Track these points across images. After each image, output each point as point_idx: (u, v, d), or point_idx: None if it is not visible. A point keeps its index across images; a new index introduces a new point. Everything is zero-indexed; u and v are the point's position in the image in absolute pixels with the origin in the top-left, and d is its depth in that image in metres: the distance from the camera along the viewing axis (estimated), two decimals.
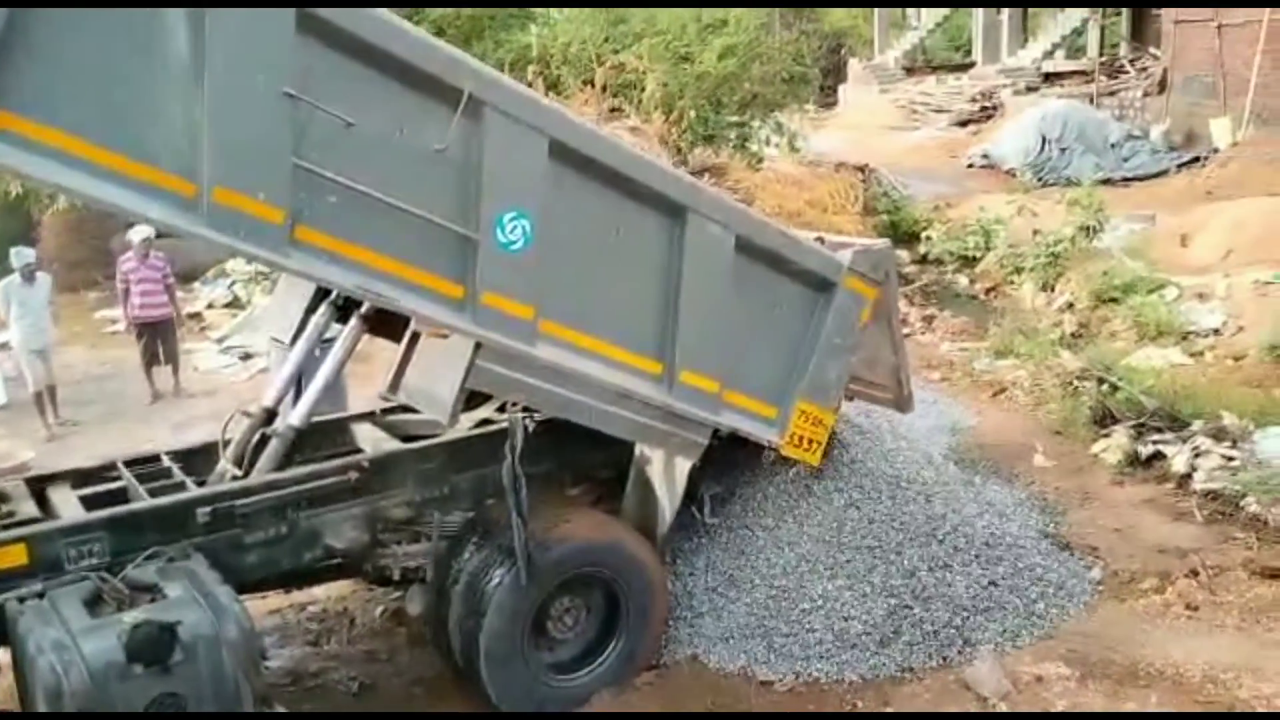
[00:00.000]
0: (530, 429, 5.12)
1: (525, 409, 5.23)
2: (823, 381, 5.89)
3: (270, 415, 5.71)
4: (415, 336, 5.19)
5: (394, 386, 5.20)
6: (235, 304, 14.34)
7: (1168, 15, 23.67)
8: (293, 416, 5.55)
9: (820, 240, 6.17)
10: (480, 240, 4.60)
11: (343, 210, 4.28)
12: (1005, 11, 30.20)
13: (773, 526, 6.02)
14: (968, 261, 15.16)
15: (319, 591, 6.39)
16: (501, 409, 6.12)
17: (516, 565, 5.05)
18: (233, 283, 14.77)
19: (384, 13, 4.30)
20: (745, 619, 5.73)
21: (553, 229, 4.79)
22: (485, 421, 6.00)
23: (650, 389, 5.29)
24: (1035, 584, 6.25)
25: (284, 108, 4.04)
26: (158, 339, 10.82)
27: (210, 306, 14.36)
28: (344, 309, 5.93)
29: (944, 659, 5.71)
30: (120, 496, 5.22)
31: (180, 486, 5.23)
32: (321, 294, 6.01)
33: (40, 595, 4.23)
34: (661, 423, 5.38)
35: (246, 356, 12.23)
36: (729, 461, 6.10)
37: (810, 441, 5.96)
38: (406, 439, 5.85)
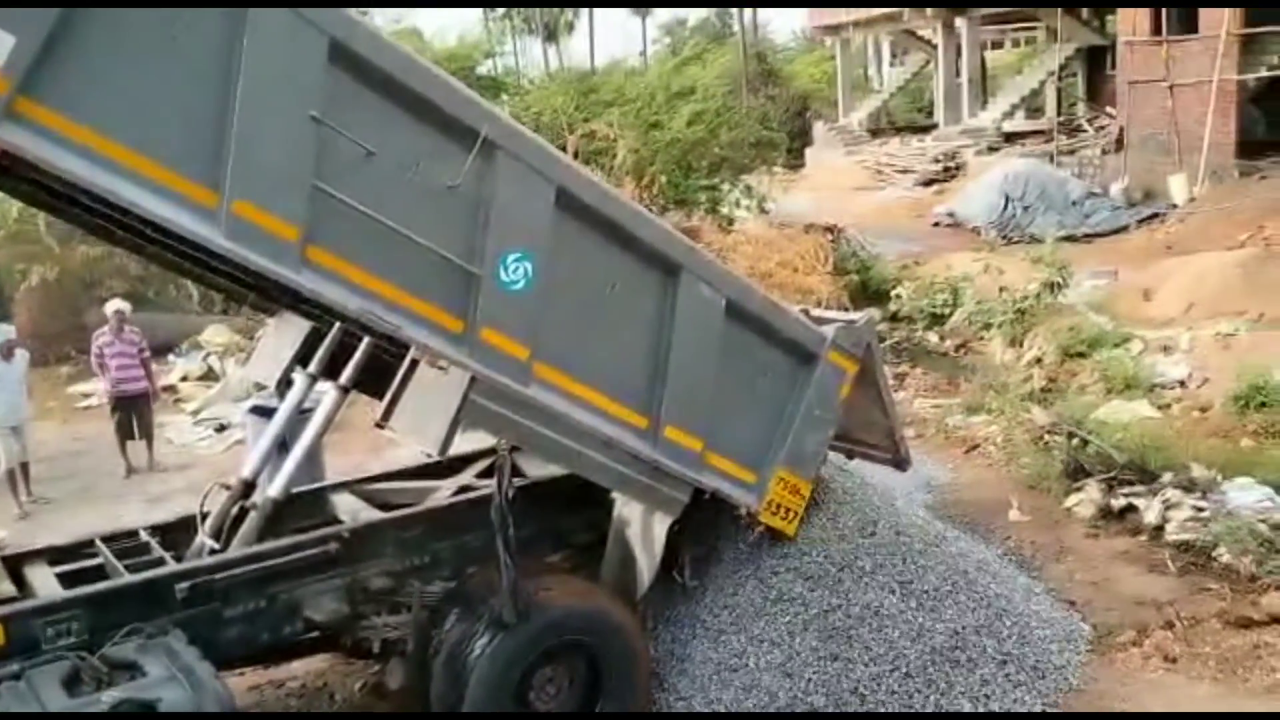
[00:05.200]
0: (510, 496, 5.15)
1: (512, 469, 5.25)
2: (802, 451, 5.94)
3: (248, 487, 5.71)
4: (412, 366, 5.18)
5: (387, 415, 5.21)
6: (210, 376, 14.28)
7: (1122, 76, 24.42)
8: (271, 488, 5.55)
9: (805, 313, 6.28)
10: (483, 277, 4.70)
11: (355, 235, 4.39)
12: (964, 74, 31.00)
13: (760, 602, 5.94)
14: (937, 319, 15.33)
15: (297, 667, 6.31)
16: (482, 475, 6.15)
17: (499, 635, 5.04)
18: (207, 355, 14.73)
19: (412, 52, 4.51)
20: (735, 694, 5.67)
21: (553, 274, 4.90)
22: (465, 488, 6.02)
23: (636, 441, 5.34)
24: (1034, 646, 6.19)
25: (309, 131, 4.18)
26: (133, 413, 10.75)
27: (185, 379, 14.28)
28: (327, 373, 5.97)
29: None
30: (99, 573, 5.19)
31: (158, 562, 5.20)
32: (307, 346, 6.05)
33: (17, 676, 4.18)
34: (645, 475, 5.41)
35: (221, 428, 12.17)
36: (709, 524, 6.12)
37: (788, 510, 5.97)
38: (385, 508, 5.86)
